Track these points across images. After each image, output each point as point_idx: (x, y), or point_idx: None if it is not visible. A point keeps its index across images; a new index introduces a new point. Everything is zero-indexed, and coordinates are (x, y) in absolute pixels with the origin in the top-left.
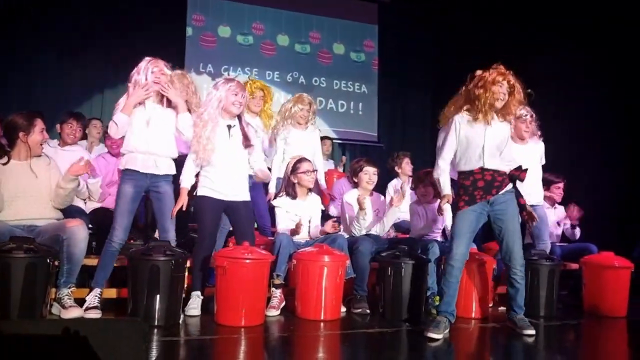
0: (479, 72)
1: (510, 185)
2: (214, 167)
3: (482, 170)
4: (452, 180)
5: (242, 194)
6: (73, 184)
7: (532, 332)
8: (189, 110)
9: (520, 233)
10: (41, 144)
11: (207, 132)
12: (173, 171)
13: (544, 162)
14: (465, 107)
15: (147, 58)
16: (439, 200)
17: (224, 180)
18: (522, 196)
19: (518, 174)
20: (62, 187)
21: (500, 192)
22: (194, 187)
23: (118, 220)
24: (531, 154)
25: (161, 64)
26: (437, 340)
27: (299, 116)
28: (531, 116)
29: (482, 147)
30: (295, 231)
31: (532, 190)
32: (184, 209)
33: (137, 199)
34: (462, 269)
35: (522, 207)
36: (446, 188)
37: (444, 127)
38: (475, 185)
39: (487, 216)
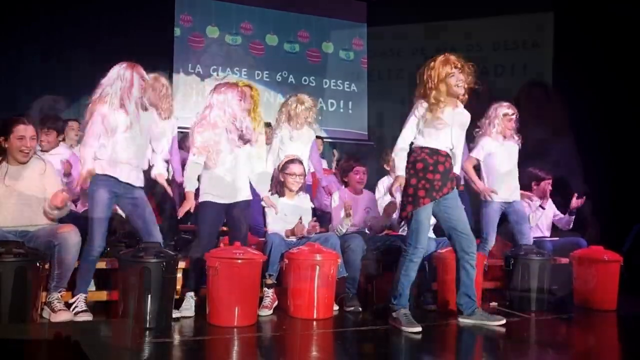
0: (426, 71)
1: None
2: (215, 170)
3: (447, 155)
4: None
5: (243, 193)
6: (57, 210)
7: (503, 321)
8: (159, 114)
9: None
10: (22, 151)
11: (214, 135)
12: (142, 183)
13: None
14: (428, 97)
15: (124, 65)
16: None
17: (226, 182)
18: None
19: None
20: (47, 211)
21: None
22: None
23: (96, 229)
24: (510, 153)
25: (141, 70)
26: (420, 332)
27: (303, 117)
28: (516, 116)
29: (450, 128)
30: (293, 232)
31: (512, 187)
32: (191, 211)
33: (111, 205)
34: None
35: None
36: (399, 169)
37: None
38: (436, 168)
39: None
